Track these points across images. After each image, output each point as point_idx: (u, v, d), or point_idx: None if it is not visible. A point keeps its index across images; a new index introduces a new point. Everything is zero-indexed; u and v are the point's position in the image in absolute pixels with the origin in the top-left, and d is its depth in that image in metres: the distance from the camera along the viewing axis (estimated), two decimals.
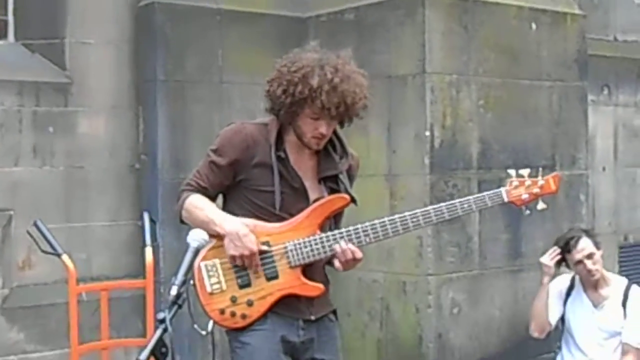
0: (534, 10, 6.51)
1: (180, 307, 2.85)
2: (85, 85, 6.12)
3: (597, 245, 4.93)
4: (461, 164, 6.08)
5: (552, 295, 5.05)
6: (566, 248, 4.92)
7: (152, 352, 2.74)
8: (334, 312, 3.55)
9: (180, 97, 6.18)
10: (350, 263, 3.33)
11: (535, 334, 5.14)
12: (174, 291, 2.84)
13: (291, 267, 3.31)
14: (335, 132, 3.42)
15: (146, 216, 5.25)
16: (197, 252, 2.94)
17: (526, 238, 6.36)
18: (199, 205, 3.35)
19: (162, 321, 2.77)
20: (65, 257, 5.01)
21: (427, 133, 5.93)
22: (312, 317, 3.41)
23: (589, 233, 5.00)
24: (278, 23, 6.58)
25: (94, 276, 5.99)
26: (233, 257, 3.27)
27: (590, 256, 4.87)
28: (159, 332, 2.76)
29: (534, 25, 6.49)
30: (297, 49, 3.42)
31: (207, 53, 6.28)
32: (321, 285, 3.36)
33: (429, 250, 5.89)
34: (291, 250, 3.31)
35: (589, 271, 4.85)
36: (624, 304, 4.92)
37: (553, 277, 4.95)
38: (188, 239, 2.97)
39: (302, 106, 3.27)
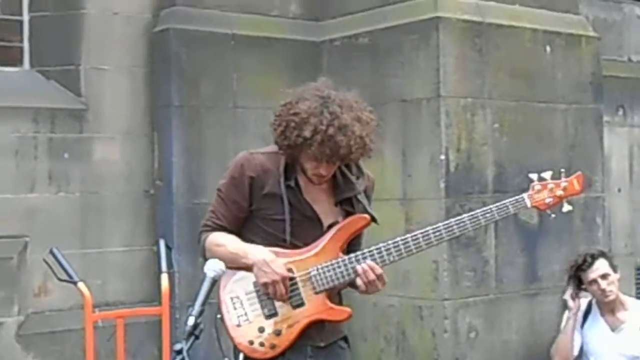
0: (548, 33, 6.50)
1: (197, 337, 2.83)
2: (100, 111, 6.15)
3: (613, 268, 4.90)
4: (477, 188, 6.06)
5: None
6: (581, 267, 4.88)
7: None
8: (345, 338, 3.50)
9: (195, 122, 6.19)
10: (374, 283, 3.27)
11: None
12: (191, 322, 2.82)
13: (316, 293, 3.29)
14: None
15: (162, 243, 5.25)
16: (214, 282, 2.92)
17: (543, 262, 6.32)
18: (220, 242, 3.33)
19: (179, 352, 2.76)
20: (81, 284, 5.02)
21: (442, 157, 5.91)
22: (322, 344, 3.37)
23: (605, 255, 4.96)
24: (292, 48, 6.59)
25: (110, 302, 5.99)
26: (265, 285, 3.23)
27: (604, 276, 4.83)
28: None
29: (548, 48, 6.48)
30: (305, 86, 3.33)
31: (222, 78, 6.30)
32: (348, 309, 3.33)
33: (445, 274, 5.86)
34: (315, 276, 3.28)
35: (603, 291, 4.82)
36: None
37: (577, 310, 4.89)
38: (205, 269, 2.96)
39: (299, 150, 3.23)
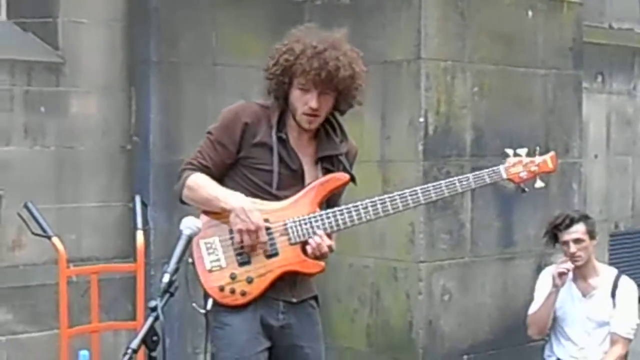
0: None
1: (172, 295, 2.83)
2: (77, 65, 6.07)
3: (591, 234, 4.91)
4: (455, 151, 6.06)
5: (542, 287, 5.05)
6: (559, 226, 4.91)
7: (144, 340, 2.72)
8: (316, 298, 3.53)
9: (173, 78, 6.13)
10: (324, 252, 3.31)
11: (536, 337, 5.12)
12: (166, 279, 2.82)
13: (291, 244, 3.32)
14: (335, 118, 3.41)
15: (138, 199, 5.23)
16: (189, 239, 2.91)
17: (518, 226, 6.35)
18: (201, 183, 3.34)
19: (154, 309, 2.75)
20: (55, 239, 4.99)
21: (421, 119, 5.91)
22: (294, 300, 3.40)
23: (587, 219, 4.96)
24: (273, 6, 6.52)
25: (84, 257, 5.96)
26: (240, 232, 3.25)
27: (577, 241, 4.85)
28: (150, 320, 2.74)
29: (530, 13, 6.46)
30: (293, 30, 3.42)
31: (201, 35, 6.23)
32: (322, 263, 3.35)
33: (421, 237, 5.88)
34: (291, 227, 3.31)
35: (572, 254, 4.84)
36: (613, 294, 4.92)
37: (560, 287, 4.91)
38: (181, 226, 2.95)
39: (290, 75, 3.28)
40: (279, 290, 3.35)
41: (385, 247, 6.03)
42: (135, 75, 6.18)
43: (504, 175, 3.47)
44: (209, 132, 3.42)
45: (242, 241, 3.27)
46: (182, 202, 3.42)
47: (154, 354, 2.76)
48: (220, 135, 3.37)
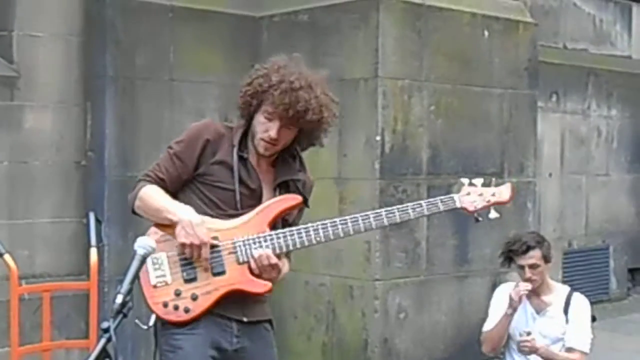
0: (486, 18, 6.54)
1: (125, 316, 2.79)
2: (32, 79, 6.00)
3: (546, 258, 4.94)
4: (411, 169, 6.09)
5: (497, 303, 5.07)
6: (515, 251, 4.94)
7: None
8: (270, 321, 3.49)
9: (130, 94, 6.10)
10: (267, 270, 3.27)
11: (490, 354, 5.14)
12: (119, 300, 2.77)
13: (239, 263, 3.28)
14: (296, 149, 3.41)
15: (92, 216, 5.17)
16: (143, 259, 2.87)
17: (473, 244, 6.39)
18: (153, 194, 3.31)
19: (107, 330, 2.71)
20: (7, 256, 4.91)
21: (378, 137, 5.92)
22: (245, 319, 3.35)
23: (542, 244, 4.99)
24: (231, 22, 6.53)
25: (37, 274, 5.89)
26: (183, 246, 3.22)
27: (533, 266, 4.90)
28: (102, 341, 2.69)
29: (486, 33, 6.52)
30: (283, 55, 3.40)
31: (158, 50, 6.21)
32: (269, 283, 3.31)
33: (377, 255, 5.89)
34: (239, 246, 3.28)
35: (528, 279, 4.88)
36: (565, 311, 4.96)
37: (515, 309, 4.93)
38: (135, 245, 2.91)
39: (259, 100, 3.27)
40: (229, 309, 3.31)
41: (342, 265, 6.03)
42: (91, 90, 6.13)
43: (458, 204, 3.42)
44: (169, 146, 3.40)
45: (185, 254, 3.25)
46: (134, 212, 3.39)
47: None
48: (180, 149, 3.35)
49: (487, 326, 5.05)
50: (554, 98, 8.86)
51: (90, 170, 6.12)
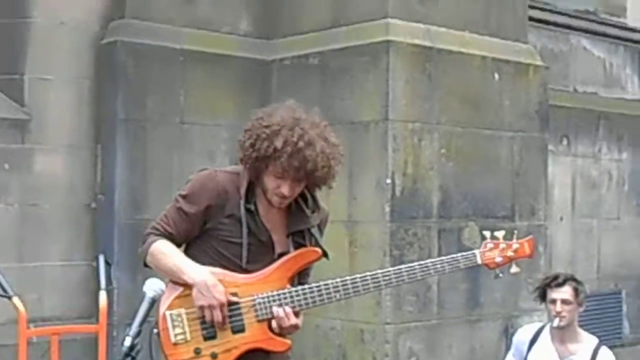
0: (497, 61, 6.55)
1: (133, 358, 2.78)
2: (43, 122, 6.04)
3: (579, 300, 4.90)
4: (421, 213, 6.06)
5: (512, 351, 5.02)
6: (550, 284, 4.92)
7: None
8: None
9: (140, 136, 6.11)
10: (288, 329, 3.26)
11: None
12: (127, 342, 2.77)
13: (258, 321, 3.25)
14: (308, 191, 3.39)
15: (101, 259, 5.16)
16: (153, 302, 2.86)
17: (485, 288, 6.34)
18: (165, 251, 3.27)
19: None
20: (16, 299, 4.89)
21: (388, 181, 5.91)
22: None
23: (578, 282, 4.96)
24: (242, 65, 6.56)
25: (46, 316, 5.86)
26: (201, 308, 3.19)
27: (565, 302, 4.85)
28: None
29: (496, 76, 6.53)
30: (276, 104, 3.37)
31: (169, 93, 6.24)
32: (288, 341, 3.30)
33: (388, 298, 5.84)
34: (259, 304, 3.24)
35: (558, 313, 4.83)
36: None
37: None
38: (144, 288, 2.90)
39: (266, 163, 3.23)
40: None
41: (352, 309, 5.98)
42: (102, 133, 6.15)
43: (479, 261, 3.38)
44: (176, 199, 3.37)
45: (204, 316, 3.22)
46: (146, 265, 3.37)
47: None
48: (186, 206, 3.31)
49: None
50: (565, 141, 8.84)
51: (101, 213, 6.12)
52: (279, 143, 3.18)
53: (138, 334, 2.78)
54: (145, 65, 6.15)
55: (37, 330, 5.35)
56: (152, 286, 2.89)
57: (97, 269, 5.24)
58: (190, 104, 6.30)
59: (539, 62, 6.93)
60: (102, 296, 5.08)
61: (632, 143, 9.46)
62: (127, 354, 2.75)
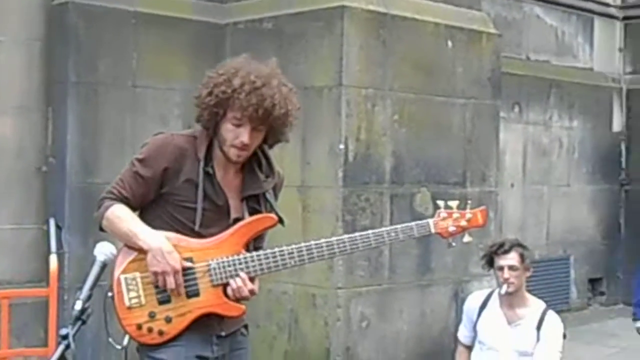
0: (450, 28, 6.57)
1: (84, 322, 2.77)
2: None
3: (525, 265, 4.97)
4: (374, 178, 6.09)
5: (469, 311, 5.10)
6: (496, 251, 4.98)
7: None
8: (246, 326, 3.51)
9: (92, 100, 6.05)
10: (246, 297, 3.28)
11: None
12: (78, 306, 2.76)
13: (213, 286, 3.26)
14: (262, 150, 3.39)
15: (52, 222, 5.14)
16: (104, 266, 2.86)
17: (436, 253, 6.40)
18: (121, 216, 3.26)
19: (65, 337, 2.69)
20: None
21: (342, 146, 5.92)
22: (223, 333, 3.36)
23: (524, 248, 5.03)
24: (195, 29, 6.51)
25: None
26: (155, 274, 3.19)
27: (512, 267, 4.91)
28: (61, 348, 2.68)
29: (450, 43, 6.55)
30: (228, 60, 3.38)
31: (121, 56, 6.17)
32: (242, 306, 3.32)
33: (340, 263, 5.88)
34: (214, 269, 3.25)
35: (505, 280, 4.89)
36: (538, 327, 4.96)
37: None
38: (95, 252, 2.89)
39: (224, 108, 3.22)
40: (207, 325, 3.30)
41: (305, 273, 6.01)
42: (53, 96, 6.08)
43: (433, 230, 3.42)
44: (132, 162, 3.34)
45: (157, 282, 3.22)
46: (102, 230, 3.36)
47: None
48: (143, 169, 3.29)
49: (463, 335, 5.09)
50: (517, 109, 8.93)
51: (51, 177, 6.06)
52: (236, 82, 3.18)
53: (89, 297, 2.77)
54: (98, 28, 6.08)
55: None
56: (103, 250, 2.88)
57: (47, 232, 5.22)
58: (142, 68, 6.24)
59: (492, 30, 6.96)
60: (53, 260, 5.06)
61: (583, 111, 9.59)
62: (77, 318, 2.74)
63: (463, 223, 3.43)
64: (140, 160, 3.30)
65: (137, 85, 6.22)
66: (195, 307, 3.25)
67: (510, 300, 4.96)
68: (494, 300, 5.03)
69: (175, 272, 3.18)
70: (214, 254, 3.26)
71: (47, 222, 5.40)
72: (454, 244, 3.48)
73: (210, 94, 3.24)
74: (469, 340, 5.10)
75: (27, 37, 6.09)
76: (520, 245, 5.02)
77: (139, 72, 6.23)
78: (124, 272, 3.21)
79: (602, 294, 9.98)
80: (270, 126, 3.29)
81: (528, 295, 5.09)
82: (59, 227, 5.19)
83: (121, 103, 6.15)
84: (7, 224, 5.99)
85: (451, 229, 3.42)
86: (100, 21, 6.09)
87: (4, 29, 6.01)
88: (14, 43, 6.04)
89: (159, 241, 3.19)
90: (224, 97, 3.20)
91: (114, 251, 2.91)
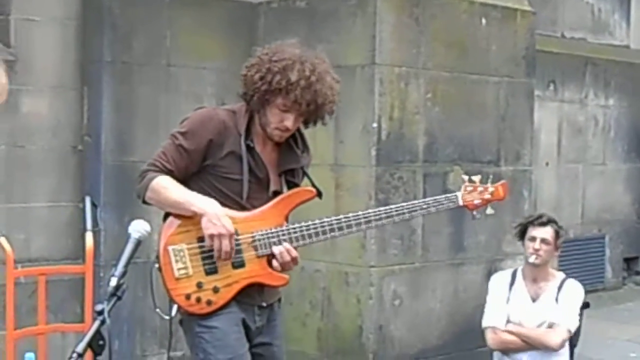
0: (484, 6, 6.53)
1: (119, 298, 2.82)
2: (29, 63, 5.99)
3: (557, 243, 5.01)
4: (407, 157, 6.09)
5: (495, 296, 5.11)
6: (533, 222, 5.02)
7: (89, 344, 2.69)
8: (280, 299, 3.63)
9: (127, 78, 6.09)
10: (288, 264, 3.40)
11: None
12: (113, 282, 2.81)
13: (258, 257, 3.36)
14: (297, 128, 3.46)
15: (88, 200, 5.18)
16: (138, 243, 2.90)
17: (469, 232, 6.40)
18: (168, 186, 3.33)
19: (100, 313, 2.73)
20: (2, 239, 4.93)
21: (375, 125, 5.92)
22: (264, 304, 3.48)
23: (560, 231, 5.07)
24: (228, 8, 6.52)
25: (33, 257, 5.89)
26: (211, 237, 3.26)
27: (545, 241, 4.95)
28: (96, 324, 2.72)
29: (484, 21, 6.51)
30: (279, 42, 3.46)
31: (155, 35, 6.20)
32: (287, 275, 3.43)
33: (372, 242, 5.90)
34: (259, 240, 3.36)
35: (535, 250, 4.94)
36: (556, 297, 5.00)
37: None
38: (130, 229, 2.94)
39: (276, 96, 3.32)
40: (249, 296, 3.41)
41: (337, 252, 6.03)
42: (88, 75, 6.13)
43: (461, 202, 3.62)
44: (174, 136, 3.40)
45: (212, 246, 3.28)
46: (145, 202, 3.41)
47: (100, 358, 2.74)
48: (186, 142, 3.37)
49: (490, 320, 5.07)
50: (552, 87, 8.86)
51: (87, 155, 6.12)
52: (293, 76, 3.28)
53: (123, 274, 2.82)
54: (132, 7, 6.10)
55: (24, 271, 5.38)
56: (138, 227, 2.92)
57: (83, 210, 5.26)
58: (176, 47, 6.26)
59: (526, 7, 6.90)
60: (89, 237, 5.11)
61: (619, 89, 9.49)
62: (112, 294, 2.79)
63: (487, 196, 3.64)
64: (182, 134, 3.36)
65: (171, 64, 6.25)
66: (242, 278, 3.35)
67: (535, 274, 5.01)
68: (519, 276, 5.08)
69: (231, 235, 3.26)
70: (257, 225, 3.36)
71: (82, 200, 5.45)
72: (478, 216, 3.71)
73: (262, 78, 3.32)
74: (500, 321, 5.07)
75: (63, 17, 6.13)
76: (557, 223, 5.05)
77: (173, 51, 6.26)
78: (170, 243, 3.29)
79: (637, 273, 9.91)
80: (316, 115, 3.41)
81: (552, 271, 5.14)
82: (94, 205, 5.24)
83: (155, 82, 6.19)
84: (44, 202, 6.06)
85: (476, 201, 3.63)
86: (135, 1, 6.12)
87: (39, 8, 6.05)
88: (49, 22, 6.08)
89: (213, 205, 3.28)
90: (278, 87, 3.30)
91: (149, 229, 2.96)
